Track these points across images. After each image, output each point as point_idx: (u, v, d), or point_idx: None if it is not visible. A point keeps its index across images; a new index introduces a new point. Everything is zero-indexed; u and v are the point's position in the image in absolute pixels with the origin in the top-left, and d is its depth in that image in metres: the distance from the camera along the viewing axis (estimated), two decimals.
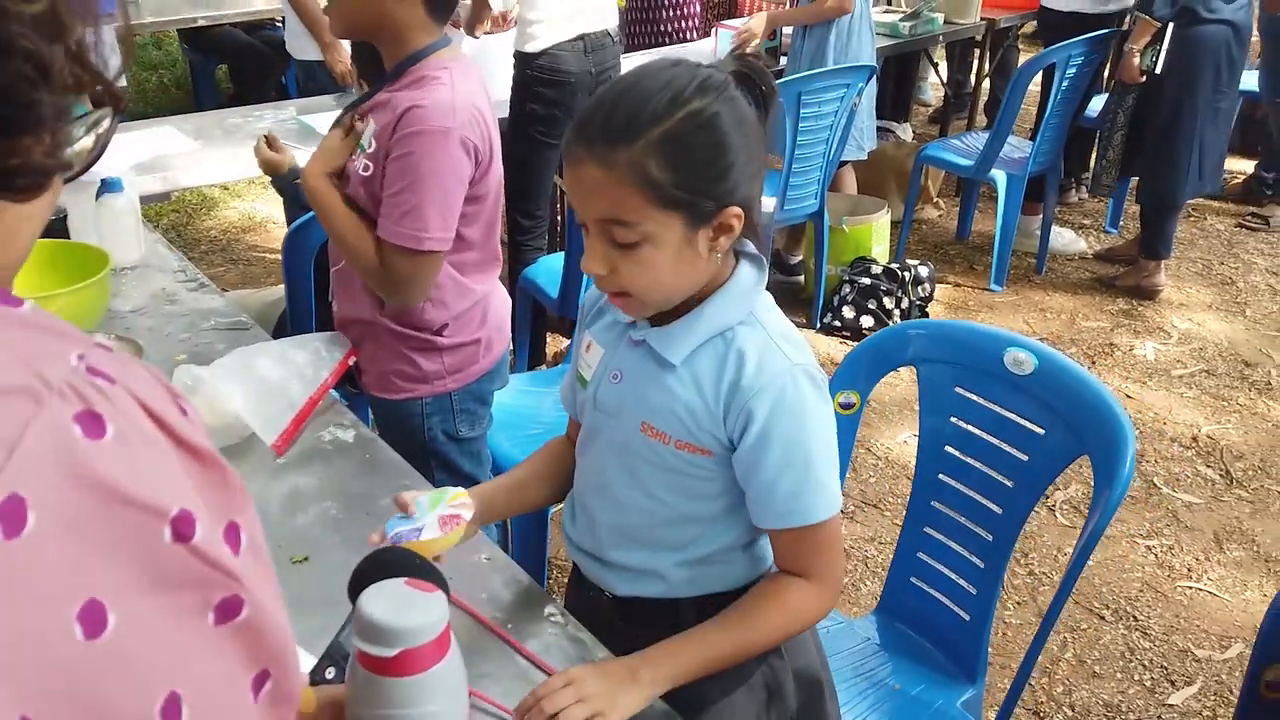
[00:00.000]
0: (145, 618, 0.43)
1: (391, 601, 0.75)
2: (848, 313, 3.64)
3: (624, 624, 1.23)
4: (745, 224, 1.06)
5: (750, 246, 1.13)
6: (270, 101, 3.76)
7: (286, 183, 2.20)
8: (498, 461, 2.02)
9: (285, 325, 2.29)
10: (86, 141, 0.52)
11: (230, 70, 5.82)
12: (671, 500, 1.15)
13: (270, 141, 1.94)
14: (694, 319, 1.10)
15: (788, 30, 3.99)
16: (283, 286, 3.53)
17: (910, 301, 3.64)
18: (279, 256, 4.26)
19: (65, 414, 0.43)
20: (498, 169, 1.69)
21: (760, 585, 1.16)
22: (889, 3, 4.81)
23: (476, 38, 3.05)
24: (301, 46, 3.32)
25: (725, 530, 1.17)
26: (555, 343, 3.40)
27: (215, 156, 2.82)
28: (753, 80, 1.04)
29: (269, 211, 4.67)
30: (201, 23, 4.94)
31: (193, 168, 2.76)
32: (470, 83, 1.61)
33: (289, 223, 2.40)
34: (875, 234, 3.75)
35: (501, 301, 1.82)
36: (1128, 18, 3.77)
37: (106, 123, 0.53)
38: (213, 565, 0.45)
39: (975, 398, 1.59)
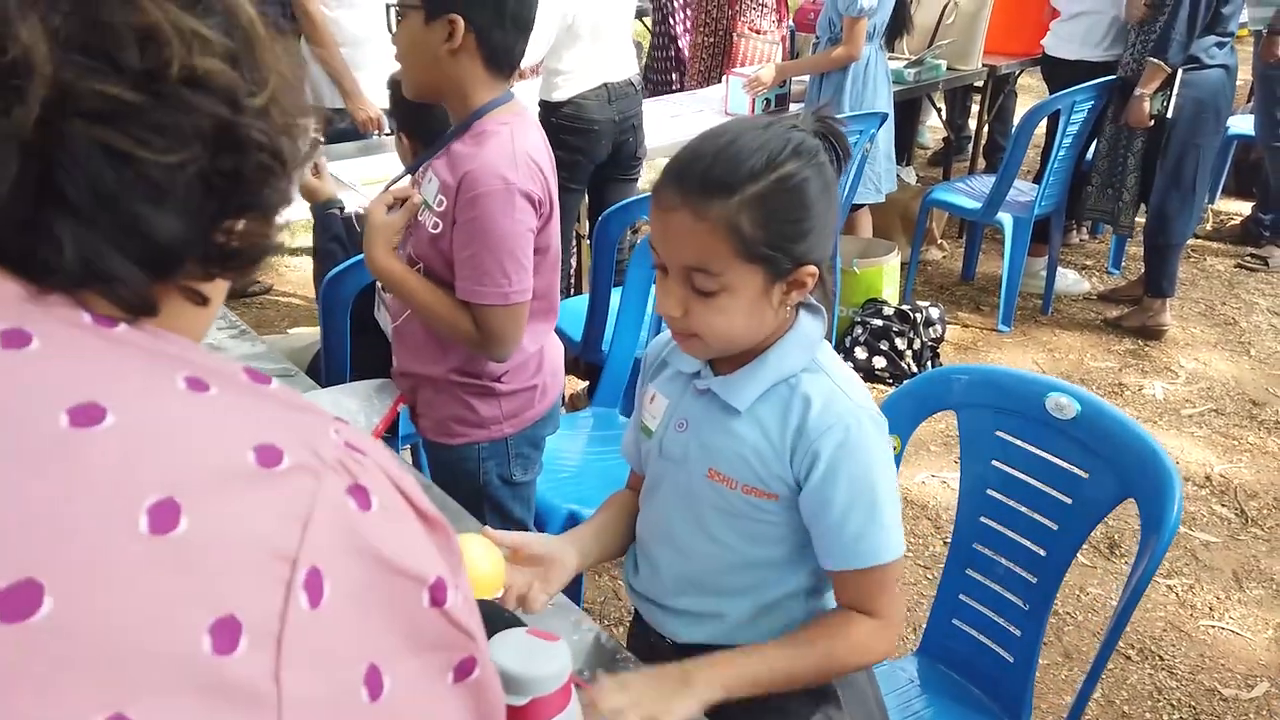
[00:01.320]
0: (411, 679, 0.46)
1: (519, 651, 0.77)
2: (860, 354, 3.68)
3: None
4: (817, 281, 1.11)
5: (811, 298, 1.17)
6: None
7: (320, 211, 2.31)
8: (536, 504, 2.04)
9: (319, 371, 2.32)
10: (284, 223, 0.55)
11: None
12: (736, 545, 1.18)
13: (317, 168, 2.01)
14: (757, 366, 1.14)
15: (799, 78, 4.08)
16: (306, 330, 3.55)
17: (922, 343, 3.68)
18: (292, 300, 4.30)
19: (340, 488, 0.45)
20: (555, 224, 1.72)
21: (825, 615, 1.19)
22: (892, 50, 4.90)
23: None
24: (322, 94, 3.37)
25: (789, 575, 1.19)
26: (571, 385, 3.42)
27: None
28: (829, 140, 1.09)
29: (280, 255, 4.70)
30: None
31: None
32: (530, 137, 1.65)
33: (316, 248, 2.47)
34: (886, 276, 3.80)
35: (556, 348, 1.86)
36: (1120, 65, 3.87)
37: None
38: (459, 628, 0.48)
39: (1017, 441, 1.62)
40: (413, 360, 1.79)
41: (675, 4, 4.65)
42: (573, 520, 2.07)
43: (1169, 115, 3.68)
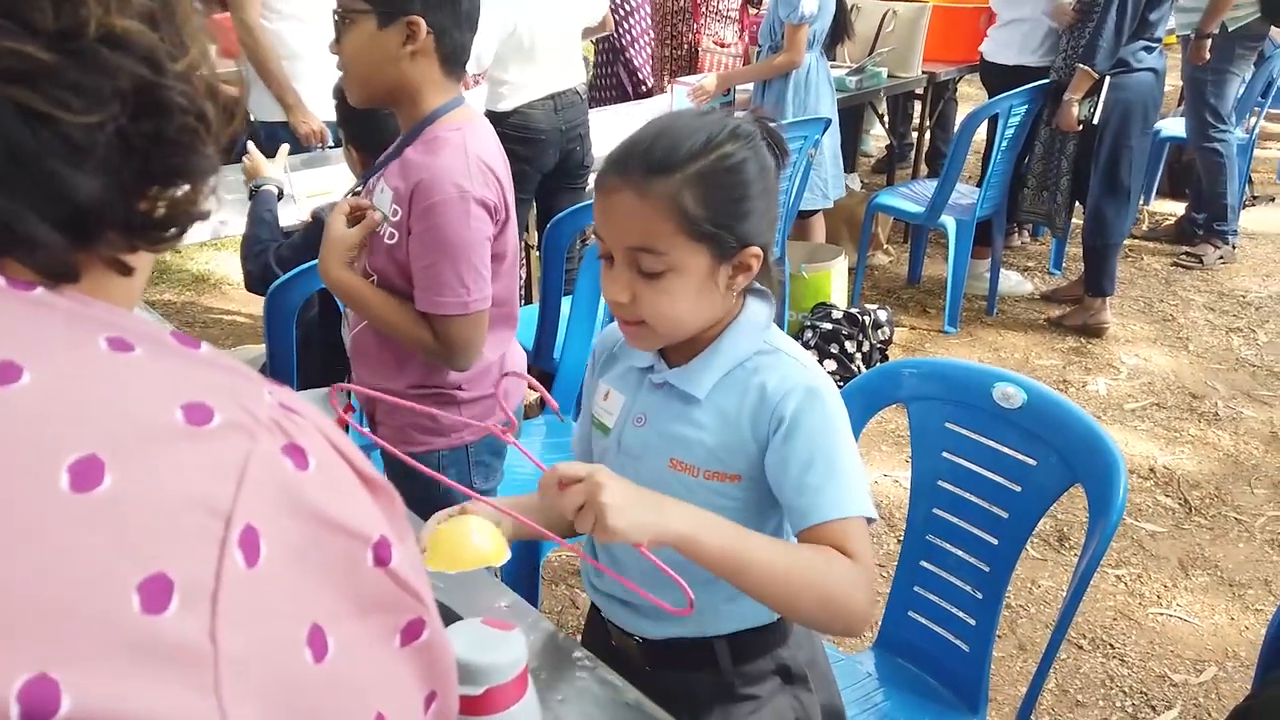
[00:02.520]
0: (356, 641, 0.45)
1: (474, 640, 0.76)
2: None
3: (652, 668, 1.24)
4: (762, 267, 1.11)
5: (757, 284, 1.18)
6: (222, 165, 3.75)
7: (253, 187, 2.38)
8: None
9: None
10: (212, 193, 0.54)
11: None
12: None
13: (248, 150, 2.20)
14: (711, 354, 1.14)
15: (743, 87, 4.11)
16: (250, 348, 3.50)
17: (871, 345, 3.72)
18: (237, 319, 4.23)
19: (275, 447, 0.44)
20: (512, 230, 1.71)
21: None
22: (834, 58, 4.96)
23: None
24: (264, 107, 3.32)
25: None
26: (526, 394, 3.40)
27: None
28: (768, 140, 1.10)
29: (223, 273, 4.63)
30: None
31: None
32: (484, 142, 1.64)
33: (245, 238, 2.48)
34: (834, 280, 3.84)
35: (518, 355, 1.84)
36: (1053, 70, 3.95)
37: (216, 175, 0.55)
38: (405, 589, 0.47)
39: (966, 432, 1.64)
40: (370, 374, 1.76)
41: (623, 14, 4.66)
42: (529, 541, 2.05)
43: (1096, 120, 3.75)
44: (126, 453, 0.41)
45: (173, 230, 0.51)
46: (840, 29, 4.14)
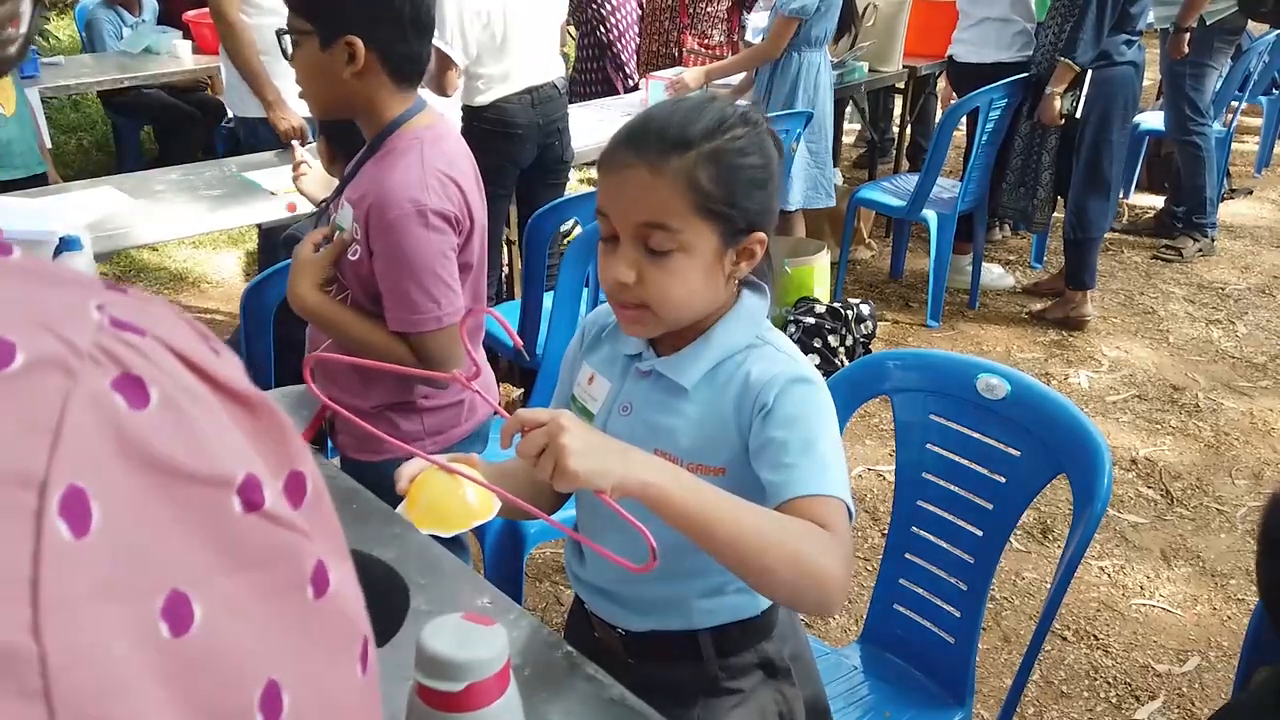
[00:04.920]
0: (232, 602, 0.38)
1: (453, 636, 0.75)
2: None
3: (635, 661, 1.23)
4: (762, 259, 1.11)
5: (753, 278, 1.17)
6: (196, 162, 3.72)
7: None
8: None
9: None
10: (16, 32, 0.47)
11: (156, 132, 5.74)
12: None
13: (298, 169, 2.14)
14: (702, 344, 1.13)
15: (725, 81, 4.10)
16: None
17: (854, 339, 3.72)
18: (216, 317, 4.19)
19: (102, 383, 0.36)
20: (479, 237, 1.68)
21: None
22: None
23: (449, 96, 3.05)
24: (244, 103, 3.29)
25: None
26: (507, 392, 3.38)
27: (162, 215, 2.78)
28: (771, 134, 1.10)
29: (202, 271, 4.59)
30: (126, 84, 4.87)
31: (135, 226, 2.70)
32: (442, 151, 1.61)
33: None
34: (817, 275, 3.84)
35: (484, 366, 1.82)
36: (1032, 64, 3.96)
37: (29, 19, 0.49)
38: (291, 529, 0.39)
39: (950, 424, 1.64)
40: (336, 389, 1.73)
41: (607, 10, 4.65)
42: (511, 531, 2.03)
43: (1078, 114, 3.76)
44: None
45: None
46: (846, 24, 4.13)
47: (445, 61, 2.90)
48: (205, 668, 0.36)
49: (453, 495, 1.03)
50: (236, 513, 0.38)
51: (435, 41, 2.81)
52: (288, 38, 1.57)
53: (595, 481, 0.89)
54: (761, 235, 1.08)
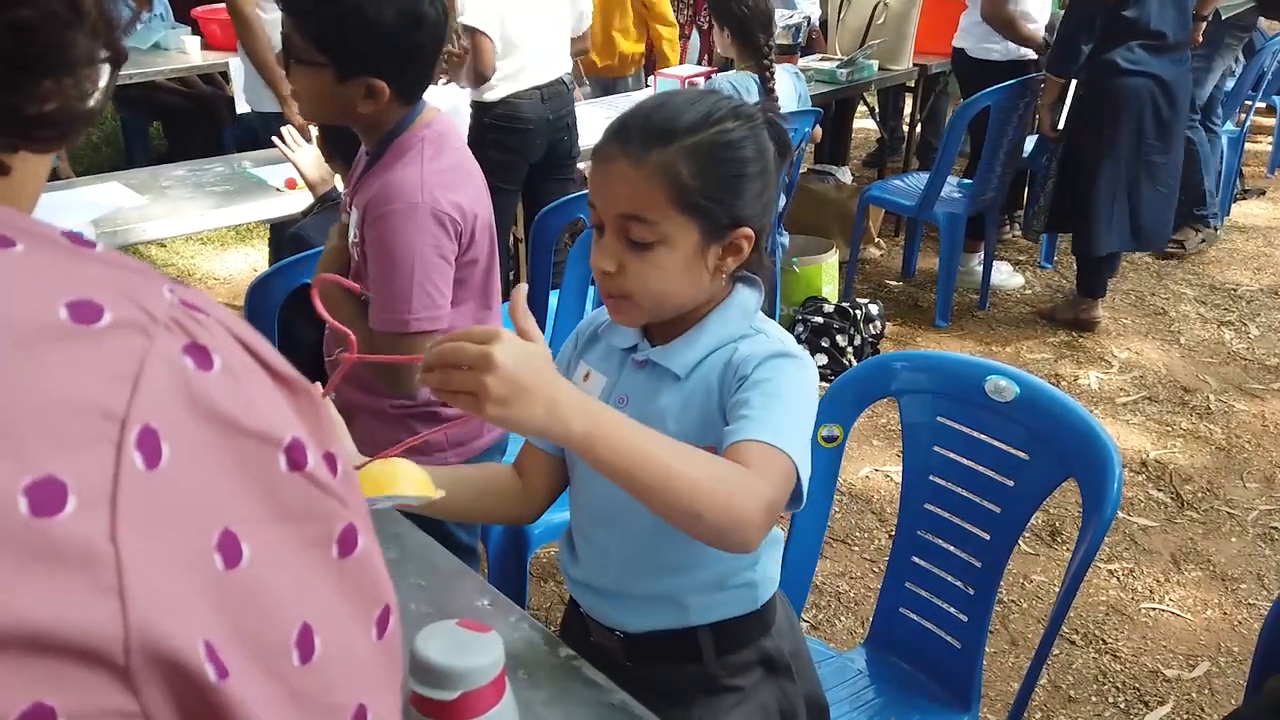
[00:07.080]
0: (274, 548, 0.43)
1: (448, 643, 0.73)
2: None
3: (632, 664, 1.22)
4: (754, 251, 1.10)
5: (748, 272, 1.16)
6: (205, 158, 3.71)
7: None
8: None
9: None
10: (100, 94, 0.50)
11: (165, 128, 5.74)
12: None
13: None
14: (697, 333, 1.13)
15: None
16: None
17: (863, 339, 3.70)
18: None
19: (174, 347, 0.42)
20: (485, 238, 1.64)
21: None
22: (823, 51, 4.94)
23: (463, 87, 3.03)
24: (259, 98, 3.29)
25: None
26: None
27: (169, 211, 2.78)
28: (771, 130, 1.09)
29: (208, 268, 4.59)
30: (135, 79, 4.87)
31: (142, 222, 2.70)
32: (444, 152, 1.58)
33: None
34: (825, 274, 3.82)
35: None
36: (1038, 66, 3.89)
37: (108, 76, 0.51)
38: (328, 493, 0.45)
39: (958, 426, 1.62)
40: (353, 388, 1.69)
41: None
42: (515, 533, 2.02)
43: (1059, 128, 3.65)
44: (2, 355, 0.39)
45: (55, 130, 0.47)
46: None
47: (480, 41, 2.86)
48: (251, 601, 0.42)
49: (388, 473, 1.00)
50: (283, 469, 0.44)
51: (466, 20, 2.77)
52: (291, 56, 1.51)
53: (514, 430, 0.88)
54: (748, 231, 1.08)
